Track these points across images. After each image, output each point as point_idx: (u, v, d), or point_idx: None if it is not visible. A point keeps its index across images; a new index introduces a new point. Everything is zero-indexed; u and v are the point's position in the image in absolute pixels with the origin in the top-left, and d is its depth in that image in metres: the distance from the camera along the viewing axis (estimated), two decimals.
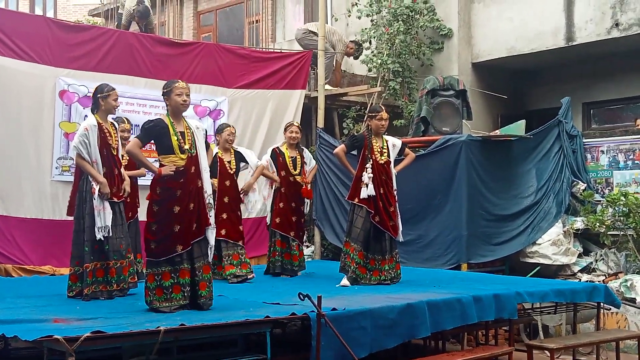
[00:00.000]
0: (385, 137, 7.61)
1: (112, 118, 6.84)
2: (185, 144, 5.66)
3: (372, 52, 11.64)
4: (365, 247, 7.35)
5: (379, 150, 7.45)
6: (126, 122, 7.54)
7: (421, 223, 9.47)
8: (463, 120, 10.03)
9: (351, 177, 7.65)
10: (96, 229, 6.26)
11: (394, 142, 7.64)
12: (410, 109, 10.97)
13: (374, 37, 11.62)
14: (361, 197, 7.32)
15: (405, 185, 9.27)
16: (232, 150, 8.13)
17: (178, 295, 5.57)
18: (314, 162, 8.87)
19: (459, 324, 6.12)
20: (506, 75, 11.85)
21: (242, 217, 8.36)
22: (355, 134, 7.78)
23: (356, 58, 11.86)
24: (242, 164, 8.25)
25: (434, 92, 9.78)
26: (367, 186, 7.31)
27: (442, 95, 9.78)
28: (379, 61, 11.25)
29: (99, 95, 6.50)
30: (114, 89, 6.57)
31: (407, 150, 7.86)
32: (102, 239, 6.27)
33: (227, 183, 7.98)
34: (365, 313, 5.41)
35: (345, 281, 7.28)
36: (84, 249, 6.33)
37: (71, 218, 6.65)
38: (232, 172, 8.04)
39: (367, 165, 7.36)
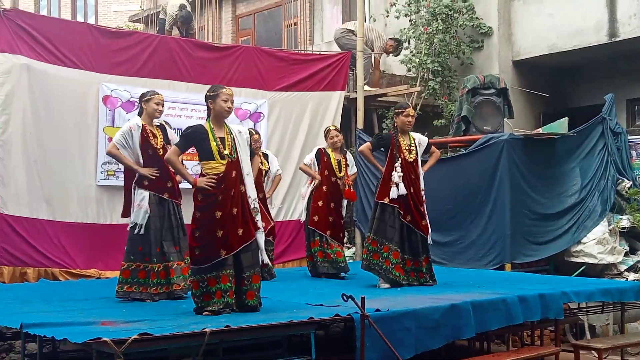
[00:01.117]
0: (412, 134, 7.49)
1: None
2: (225, 149, 5.68)
3: (411, 51, 11.59)
4: (401, 247, 7.26)
5: (407, 148, 7.33)
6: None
7: (462, 224, 9.40)
8: (504, 119, 9.94)
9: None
10: (131, 223, 6.45)
11: (420, 140, 7.52)
12: (451, 108, 10.90)
13: (413, 37, 11.57)
14: (391, 197, 7.21)
15: (445, 186, 9.25)
16: (261, 153, 8.21)
17: (219, 300, 5.58)
18: (355, 168, 8.85)
19: (504, 325, 6.06)
20: (547, 72, 11.71)
21: (284, 220, 8.38)
22: (382, 132, 7.68)
23: (396, 55, 11.81)
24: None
25: (474, 91, 9.71)
26: (397, 186, 7.21)
27: (483, 94, 9.70)
28: (418, 61, 11.21)
29: (142, 99, 6.67)
30: (156, 94, 6.70)
31: (432, 148, 7.69)
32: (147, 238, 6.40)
33: (260, 180, 8.08)
34: (409, 314, 5.39)
35: (384, 284, 7.22)
36: (136, 248, 6.45)
37: (125, 220, 6.76)
38: (264, 168, 8.24)
39: (396, 165, 7.24)
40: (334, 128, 8.68)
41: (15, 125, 8.45)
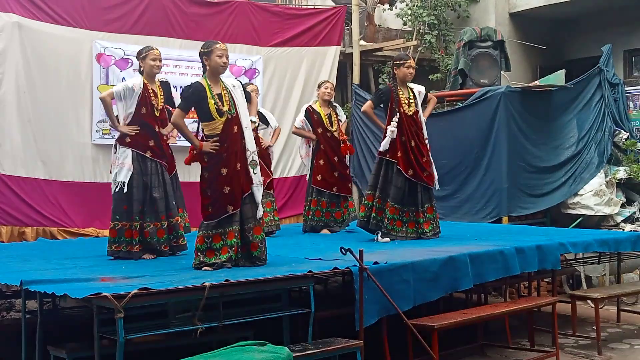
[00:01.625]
0: (411, 85, 7.35)
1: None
2: (223, 105, 5.65)
3: (407, 5, 11.47)
4: (400, 200, 7.21)
5: (406, 101, 7.21)
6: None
7: (458, 177, 9.42)
8: (501, 72, 9.89)
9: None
10: (115, 182, 6.38)
11: (419, 89, 7.40)
12: (447, 62, 10.84)
13: None
14: (382, 148, 7.17)
15: (441, 140, 9.22)
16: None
17: (224, 256, 5.61)
18: (344, 116, 8.74)
19: (501, 276, 6.10)
20: (544, 24, 11.61)
21: (282, 176, 8.34)
22: (380, 88, 7.59)
23: (390, 7, 11.68)
24: (261, 125, 8.26)
25: (471, 44, 9.65)
26: (389, 139, 7.12)
27: (480, 46, 9.64)
28: (414, 14, 11.09)
29: (138, 57, 6.59)
30: (151, 49, 6.58)
31: (429, 95, 7.56)
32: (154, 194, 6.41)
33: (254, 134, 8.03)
34: (407, 266, 5.41)
35: (384, 238, 7.22)
36: (121, 207, 6.41)
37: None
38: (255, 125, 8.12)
39: (394, 119, 7.15)
40: (330, 82, 8.64)
41: (8, 85, 8.39)
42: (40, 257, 6.48)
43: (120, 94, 6.45)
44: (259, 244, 5.70)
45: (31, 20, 8.54)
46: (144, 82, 6.49)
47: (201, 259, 5.60)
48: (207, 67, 5.70)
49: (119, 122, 6.50)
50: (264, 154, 8.09)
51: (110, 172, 6.64)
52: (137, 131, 6.43)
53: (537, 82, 9.84)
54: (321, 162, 8.29)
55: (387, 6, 11.88)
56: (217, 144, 5.59)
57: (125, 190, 6.35)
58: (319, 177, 8.28)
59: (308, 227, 8.37)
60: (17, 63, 8.42)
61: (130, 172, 6.40)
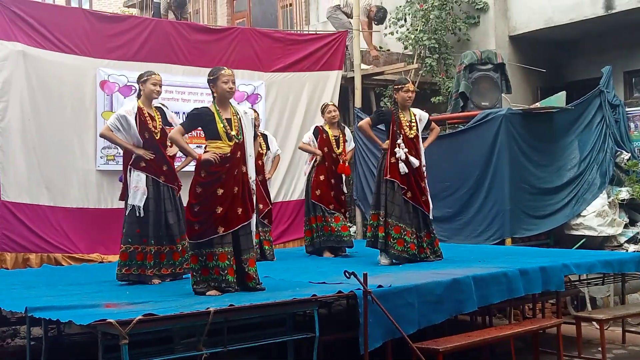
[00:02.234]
0: (412, 110, 7.49)
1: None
2: (232, 130, 5.71)
3: (407, 29, 11.57)
4: (402, 219, 7.22)
5: (408, 124, 7.34)
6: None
7: (461, 199, 9.41)
8: (502, 94, 9.93)
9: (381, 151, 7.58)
10: (129, 206, 6.45)
11: (421, 115, 7.53)
12: (448, 85, 10.90)
13: (409, 14, 11.54)
14: (402, 172, 7.21)
15: (443, 162, 9.26)
16: (260, 134, 8.22)
17: (218, 277, 5.62)
18: (353, 143, 8.87)
19: (505, 298, 6.11)
20: (544, 47, 11.68)
21: (284, 200, 8.36)
22: (382, 108, 7.71)
23: (379, 23, 11.77)
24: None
25: (471, 67, 9.70)
26: (404, 162, 7.23)
27: (480, 69, 9.69)
28: (414, 38, 11.19)
29: (139, 81, 6.67)
30: (153, 74, 6.68)
31: (433, 124, 7.71)
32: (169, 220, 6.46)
33: (260, 162, 8.12)
34: (411, 289, 5.43)
35: (384, 259, 7.25)
36: (133, 231, 6.45)
37: (122, 204, 6.77)
38: (262, 151, 8.21)
39: (399, 141, 7.26)
40: (331, 103, 8.74)
41: (13, 112, 8.43)
42: (44, 284, 6.51)
43: (117, 124, 6.55)
44: (254, 275, 5.72)
45: (36, 49, 8.60)
46: (138, 107, 6.55)
47: (199, 279, 5.61)
48: (215, 94, 5.77)
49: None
50: (264, 182, 8.16)
51: (123, 200, 6.69)
52: (153, 156, 6.49)
53: (538, 104, 9.87)
54: (321, 177, 8.40)
55: (374, 25, 11.93)
56: (218, 155, 5.61)
57: (142, 214, 6.37)
58: (317, 192, 8.35)
59: (313, 245, 8.36)
60: (22, 91, 8.48)
61: (145, 196, 6.45)
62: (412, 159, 7.24)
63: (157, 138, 6.59)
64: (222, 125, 5.68)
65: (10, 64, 8.42)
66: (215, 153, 5.63)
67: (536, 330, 6.20)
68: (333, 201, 8.40)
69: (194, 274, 5.67)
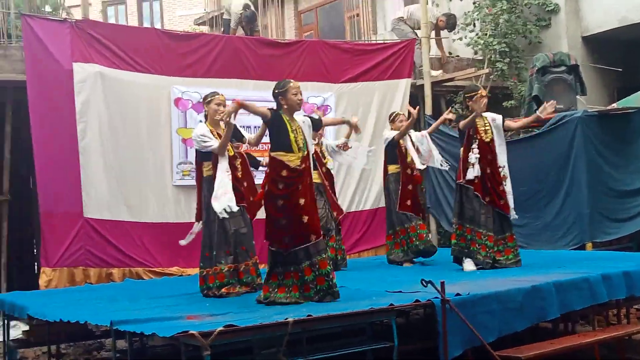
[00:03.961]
0: (485, 114, 7.48)
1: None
2: (300, 141, 5.77)
3: (477, 34, 11.46)
4: (482, 227, 7.23)
5: (483, 128, 7.38)
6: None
7: (538, 204, 9.27)
8: (577, 97, 9.74)
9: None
10: (219, 212, 6.35)
11: (494, 117, 7.52)
12: (520, 89, 10.75)
13: (478, 19, 11.44)
14: (467, 177, 7.25)
15: (519, 167, 9.06)
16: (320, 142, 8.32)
17: (296, 294, 5.66)
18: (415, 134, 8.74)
19: (588, 304, 5.97)
20: (619, 46, 11.38)
21: (357, 210, 8.37)
22: (459, 118, 7.71)
23: (451, 30, 11.66)
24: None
25: (544, 70, 9.55)
26: (473, 166, 7.25)
27: (554, 72, 9.54)
28: (484, 42, 11.08)
29: (204, 102, 6.77)
30: (216, 95, 6.72)
31: (507, 121, 7.62)
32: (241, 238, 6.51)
33: (324, 169, 8.19)
34: (490, 297, 5.36)
35: (470, 265, 7.19)
36: (213, 252, 6.52)
37: (200, 224, 6.81)
38: (324, 160, 8.27)
39: (473, 146, 7.29)
40: (402, 113, 8.73)
41: (92, 132, 8.70)
42: (127, 297, 6.67)
43: (202, 142, 6.56)
44: (325, 277, 5.69)
45: (112, 69, 8.85)
46: (209, 129, 6.62)
47: (271, 295, 5.65)
48: (284, 106, 5.82)
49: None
50: (333, 190, 8.21)
51: (199, 220, 6.75)
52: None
53: (614, 105, 9.63)
54: (409, 187, 8.36)
55: (447, 32, 11.84)
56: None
57: (235, 209, 6.35)
58: (408, 203, 8.31)
59: (398, 256, 8.34)
60: (100, 111, 8.74)
61: (234, 199, 6.39)
62: (476, 167, 7.20)
63: (229, 155, 6.64)
64: (293, 136, 5.74)
65: (88, 85, 8.69)
66: (289, 176, 5.67)
67: (621, 336, 6.02)
68: (420, 209, 8.44)
69: (269, 289, 5.69)
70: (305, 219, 5.66)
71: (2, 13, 9.62)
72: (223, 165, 6.46)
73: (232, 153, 6.64)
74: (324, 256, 5.68)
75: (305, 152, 5.80)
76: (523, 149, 9.32)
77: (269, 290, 5.73)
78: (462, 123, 7.43)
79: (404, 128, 8.34)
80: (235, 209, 6.35)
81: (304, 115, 6.21)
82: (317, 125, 6.21)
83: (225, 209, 6.30)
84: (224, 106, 6.70)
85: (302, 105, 5.92)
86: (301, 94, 5.85)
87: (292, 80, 5.90)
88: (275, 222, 5.71)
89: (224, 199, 6.34)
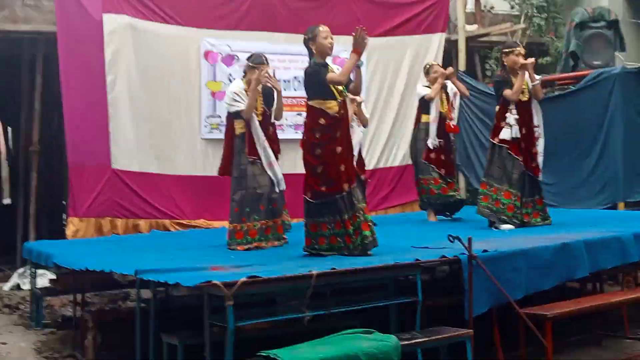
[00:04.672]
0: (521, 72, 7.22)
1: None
2: (338, 86, 5.68)
3: None
4: (512, 184, 7.10)
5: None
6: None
7: (571, 163, 9.10)
8: (616, 53, 9.48)
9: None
10: (276, 183, 6.50)
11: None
12: (557, 45, 10.50)
13: None
14: (502, 137, 7.11)
15: (553, 125, 8.87)
16: None
17: (335, 245, 5.63)
18: (453, 88, 8.47)
19: (618, 263, 5.88)
20: None
21: (385, 166, 8.21)
22: (497, 79, 7.47)
23: None
24: None
25: (582, 25, 9.32)
26: (511, 127, 7.10)
27: (592, 27, 9.31)
28: None
29: (248, 65, 6.64)
30: (264, 64, 6.56)
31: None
32: (272, 195, 6.51)
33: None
34: (518, 254, 5.27)
35: (504, 225, 7.08)
36: (246, 208, 6.49)
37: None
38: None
39: (511, 106, 7.12)
40: (435, 63, 8.56)
41: (121, 84, 8.68)
42: (153, 248, 6.71)
43: (237, 98, 6.52)
44: (370, 223, 5.65)
45: (142, 21, 8.79)
46: (244, 88, 6.56)
47: (313, 244, 5.65)
48: (314, 52, 5.72)
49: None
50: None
51: (223, 175, 6.77)
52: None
53: None
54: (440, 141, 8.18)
55: None
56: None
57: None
58: (432, 155, 8.15)
59: (429, 204, 8.27)
60: (130, 63, 8.71)
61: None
62: (515, 128, 7.05)
63: (259, 120, 6.60)
64: None
65: (118, 37, 8.65)
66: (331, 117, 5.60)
67: None
68: (444, 164, 8.19)
69: (311, 240, 5.67)
70: (342, 167, 5.61)
71: None
72: (260, 133, 6.47)
73: (260, 119, 6.57)
74: (346, 217, 5.58)
75: (343, 98, 5.72)
76: (558, 106, 9.12)
77: (311, 241, 5.72)
78: (507, 93, 7.11)
79: (435, 89, 8.12)
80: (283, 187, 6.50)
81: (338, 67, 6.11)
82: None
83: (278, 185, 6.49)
84: (266, 80, 6.52)
85: (333, 49, 5.77)
86: (332, 38, 5.73)
87: (321, 25, 5.79)
88: (313, 170, 5.66)
89: (277, 169, 6.51)
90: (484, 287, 4.98)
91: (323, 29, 5.72)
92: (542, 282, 5.38)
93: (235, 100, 6.51)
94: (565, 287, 6.37)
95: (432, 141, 8.11)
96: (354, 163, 6.00)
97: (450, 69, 8.32)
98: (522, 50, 7.19)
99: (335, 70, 5.77)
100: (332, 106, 5.62)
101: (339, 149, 5.61)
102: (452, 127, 8.24)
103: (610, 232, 6.06)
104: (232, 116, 6.64)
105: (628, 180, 8.60)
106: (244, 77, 6.73)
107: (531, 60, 7.11)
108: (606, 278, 7.06)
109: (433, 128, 8.14)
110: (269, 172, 6.49)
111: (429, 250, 5.57)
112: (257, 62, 6.59)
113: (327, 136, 5.61)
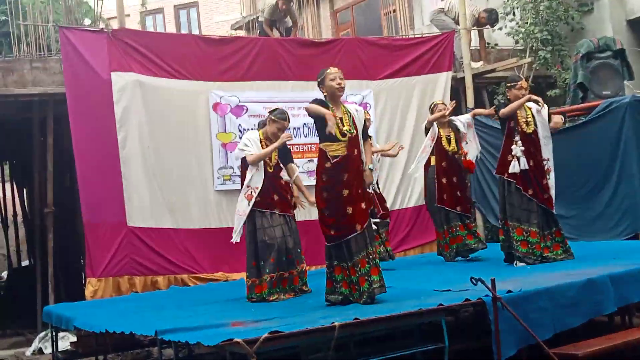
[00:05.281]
0: (527, 105, 7.25)
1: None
2: (344, 126, 5.66)
3: (517, 23, 11.21)
4: (524, 222, 7.06)
5: (525, 120, 7.18)
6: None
7: (587, 195, 9.02)
8: (624, 82, 9.44)
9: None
10: (234, 234, 6.54)
11: (539, 108, 7.28)
12: (564, 77, 10.48)
13: (517, 7, 11.19)
14: (511, 171, 7.08)
15: (567, 157, 8.84)
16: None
17: (346, 290, 5.56)
18: (462, 121, 8.41)
19: None
20: None
21: (401, 208, 8.20)
22: (500, 103, 7.50)
23: (492, 25, 11.39)
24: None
25: (589, 56, 9.31)
26: (518, 160, 7.06)
27: (599, 57, 9.30)
28: (525, 31, 10.83)
29: (269, 117, 6.68)
30: (285, 120, 6.61)
31: (552, 114, 7.42)
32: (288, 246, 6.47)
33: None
34: (543, 292, 5.18)
35: (520, 262, 7.00)
36: (261, 262, 6.46)
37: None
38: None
39: (516, 138, 7.11)
40: (440, 102, 8.54)
41: (132, 140, 8.71)
42: (173, 305, 6.65)
43: (250, 144, 6.55)
44: (365, 277, 5.57)
45: (150, 77, 8.85)
46: (260, 138, 6.59)
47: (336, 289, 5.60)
48: (326, 95, 5.74)
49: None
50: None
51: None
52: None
53: None
54: (444, 180, 8.11)
55: (488, 27, 11.59)
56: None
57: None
58: (444, 197, 8.09)
59: (450, 254, 8.16)
60: (140, 119, 8.75)
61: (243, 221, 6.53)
62: (522, 160, 7.03)
63: (270, 171, 6.60)
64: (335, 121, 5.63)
65: (127, 94, 8.71)
66: (335, 163, 5.59)
67: None
68: (458, 202, 8.10)
69: (334, 284, 5.64)
70: (350, 210, 5.57)
71: (42, 27, 9.70)
72: (251, 178, 6.51)
73: (272, 170, 6.57)
74: (372, 250, 5.56)
75: (352, 135, 5.66)
76: (569, 138, 9.07)
77: (332, 284, 5.68)
78: (502, 111, 7.23)
79: (433, 117, 8.12)
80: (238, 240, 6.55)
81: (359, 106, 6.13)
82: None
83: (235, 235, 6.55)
84: (283, 132, 6.58)
85: (343, 91, 5.77)
86: (341, 79, 5.72)
87: (331, 67, 5.82)
88: (321, 213, 5.68)
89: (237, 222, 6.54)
90: (511, 329, 4.88)
91: (331, 70, 5.76)
92: (570, 320, 5.28)
93: (246, 145, 6.53)
94: (594, 321, 6.23)
95: (412, 167, 8.37)
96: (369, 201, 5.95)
97: (452, 103, 8.31)
98: (524, 84, 7.22)
99: (352, 111, 5.77)
100: (336, 149, 5.62)
101: (345, 192, 5.58)
102: (467, 161, 8.18)
103: (635, 264, 5.95)
104: (245, 167, 6.65)
105: None
106: (260, 127, 6.75)
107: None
108: (634, 310, 6.92)
109: (421, 157, 8.25)
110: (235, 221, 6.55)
111: (452, 293, 5.48)
112: (280, 117, 6.62)
113: (333, 180, 5.61)
